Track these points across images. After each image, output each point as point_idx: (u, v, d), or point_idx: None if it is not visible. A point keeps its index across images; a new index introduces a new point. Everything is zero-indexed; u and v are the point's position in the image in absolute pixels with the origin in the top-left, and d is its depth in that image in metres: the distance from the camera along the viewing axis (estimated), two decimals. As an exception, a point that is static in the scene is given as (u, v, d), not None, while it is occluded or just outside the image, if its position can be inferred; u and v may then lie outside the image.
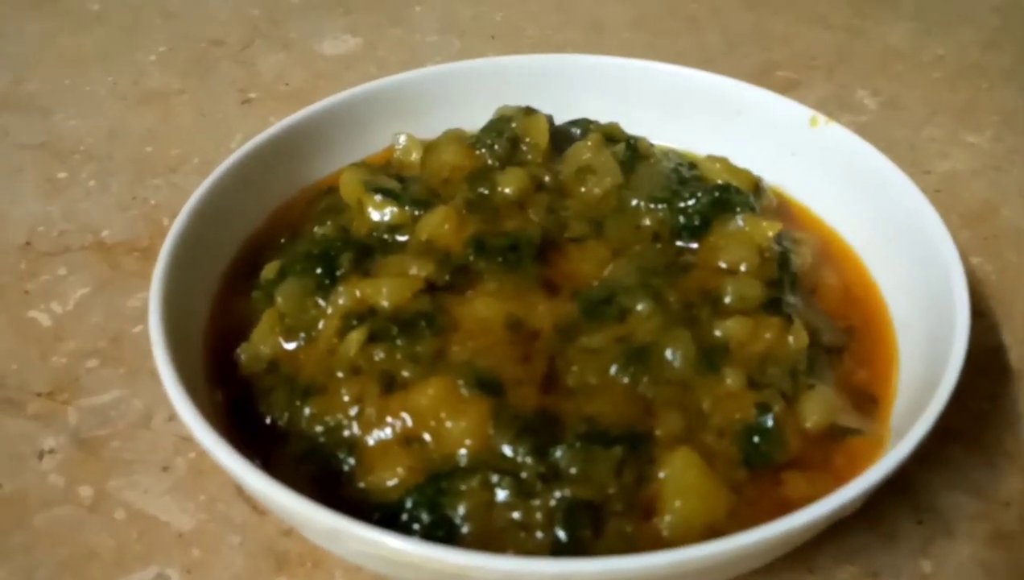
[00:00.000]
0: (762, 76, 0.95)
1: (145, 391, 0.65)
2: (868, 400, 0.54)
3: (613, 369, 0.50)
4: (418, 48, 1.02)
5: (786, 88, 0.93)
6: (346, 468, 0.49)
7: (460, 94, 0.72)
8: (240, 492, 0.59)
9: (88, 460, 0.61)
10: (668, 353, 0.51)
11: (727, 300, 0.54)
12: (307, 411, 0.51)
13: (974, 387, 0.64)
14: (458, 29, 1.04)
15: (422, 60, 0.99)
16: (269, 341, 0.54)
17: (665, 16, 1.08)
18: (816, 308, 0.58)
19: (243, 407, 0.53)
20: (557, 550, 0.44)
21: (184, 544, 0.56)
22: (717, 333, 0.52)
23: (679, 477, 0.46)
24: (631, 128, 0.69)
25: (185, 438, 0.62)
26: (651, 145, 0.66)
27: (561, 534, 0.44)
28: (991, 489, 0.58)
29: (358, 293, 0.54)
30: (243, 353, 0.55)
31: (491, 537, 0.45)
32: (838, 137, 0.65)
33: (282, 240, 0.62)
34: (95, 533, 0.57)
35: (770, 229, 0.57)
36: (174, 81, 0.97)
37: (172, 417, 0.63)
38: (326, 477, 0.49)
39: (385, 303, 0.53)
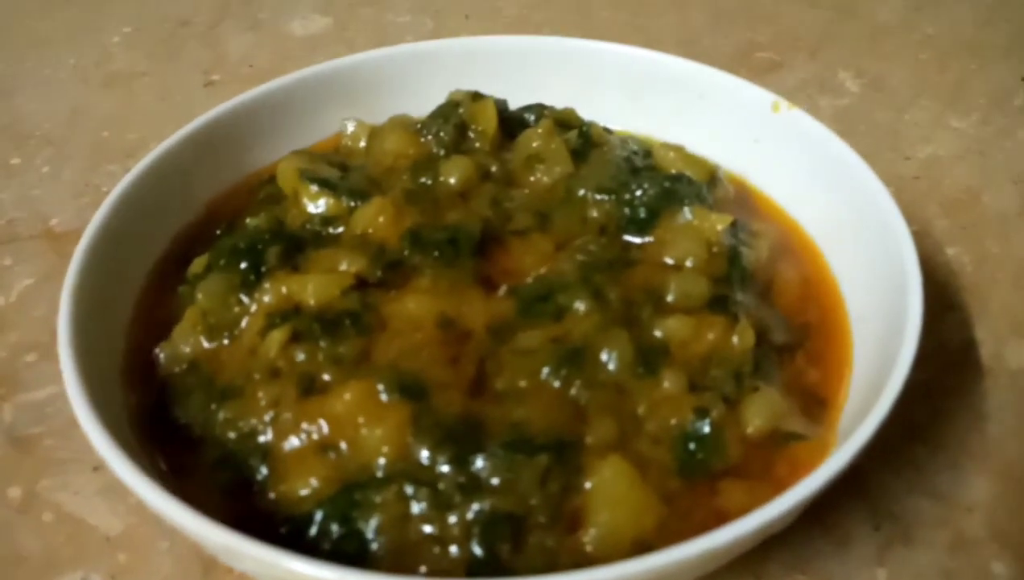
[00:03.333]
0: (743, 57, 0.92)
1: (83, 387, 0.63)
2: (817, 403, 0.51)
3: (544, 372, 0.47)
4: (389, 28, 0.99)
5: (768, 69, 0.90)
6: (259, 477, 0.46)
7: (414, 78, 0.69)
8: (172, 494, 0.57)
9: (20, 459, 0.59)
10: (604, 354, 0.48)
11: (670, 298, 0.51)
12: (221, 415, 0.48)
13: (941, 384, 0.61)
14: (431, 9, 1.01)
15: (393, 41, 0.93)
16: (191, 340, 0.52)
17: (648, -7, 1.05)
18: (770, 304, 0.55)
19: (160, 410, 0.51)
20: (473, 567, 0.42)
21: (111, 548, 0.54)
22: (657, 333, 0.49)
23: (607, 487, 0.43)
24: (591, 113, 0.66)
25: (120, 436, 0.60)
26: (607, 131, 0.63)
27: (477, 550, 0.42)
28: (954, 493, 0.55)
29: (284, 290, 0.51)
30: (162, 352, 0.52)
31: (404, 552, 0.42)
32: (799, 123, 0.61)
33: (218, 231, 0.59)
34: (22, 536, 0.55)
35: (719, 222, 0.54)
36: (138, 62, 0.95)
37: (108, 414, 0.61)
38: (238, 487, 0.46)
39: (311, 301, 0.50)
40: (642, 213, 0.55)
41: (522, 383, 0.47)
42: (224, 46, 0.97)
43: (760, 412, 0.48)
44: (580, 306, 0.50)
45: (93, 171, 0.81)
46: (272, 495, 0.45)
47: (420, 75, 0.69)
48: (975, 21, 0.97)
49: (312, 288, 0.50)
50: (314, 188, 0.57)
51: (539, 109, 0.65)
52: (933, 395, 0.60)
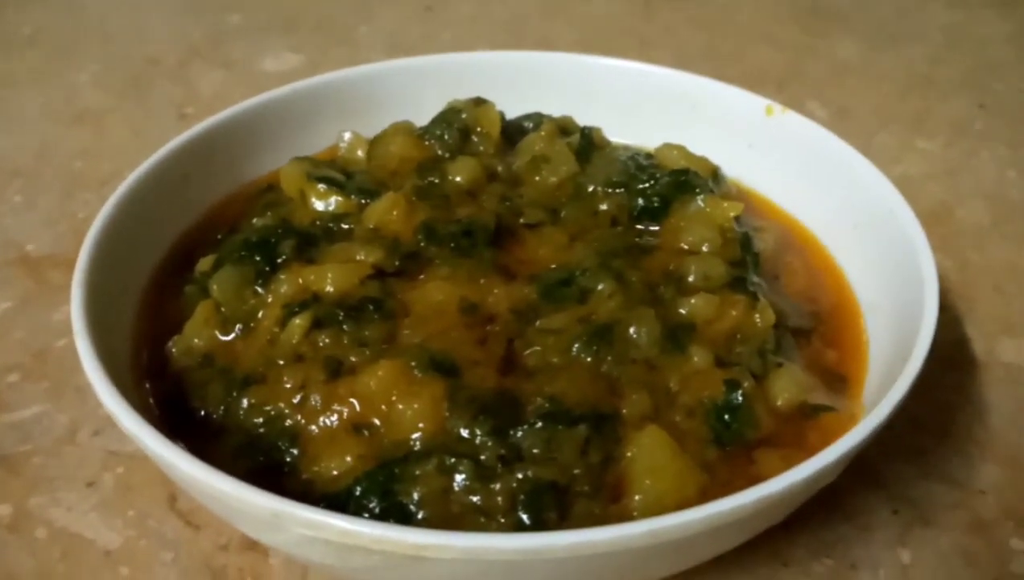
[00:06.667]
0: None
1: (70, 406, 0.60)
2: (838, 379, 0.52)
3: (575, 348, 0.47)
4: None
5: (736, 101, 0.92)
6: (288, 459, 0.45)
7: (407, 92, 0.69)
8: (173, 506, 0.54)
9: (7, 478, 0.56)
10: (632, 331, 0.48)
11: (691, 279, 0.52)
12: (245, 402, 0.47)
13: (940, 379, 0.62)
14: (405, 48, 1.02)
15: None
16: (204, 333, 0.50)
17: (615, 36, 1.08)
18: (781, 292, 0.56)
19: (174, 403, 0.49)
20: (520, 535, 0.41)
21: (111, 563, 0.52)
22: (682, 311, 0.50)
23: (648, 456, 0.43)
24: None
25: (113, 452, 0.57)
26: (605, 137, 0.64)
27: (524, 517, 0.41)
28: (965, 478, 0.56)
29: (300, 280, 0.50)
30: (174, 346, 0.51)
31: (449, 523, 0.41)
32: (795, 125, 0.63)
33: (219, 236, 0.58)
34: (14, 554, 0.52)
35: (732, 209, 0.55)
36: (108, 99, 0.94)
37: (98, 431, 0.59)
38: (266, 470, 0.45)
39: (330, 289, 0.50)
40: (656, 202, 0.55)
41: (554, 359, 0.47)
42: (195, 83, 0.96)
43: (787, 386, 0.48)
44: (603, 288, 0.50)
45: (68, 200, 0.79)
46: (305, 475, 0.44)
47: (414, 89, 0.69)
48: (928, 59, 1.01)
49: (332, 276, 0.49)
50: (322, 187, 0.57)
51: (538, 117, 0.66)
52: (934, 389, 0.61)
